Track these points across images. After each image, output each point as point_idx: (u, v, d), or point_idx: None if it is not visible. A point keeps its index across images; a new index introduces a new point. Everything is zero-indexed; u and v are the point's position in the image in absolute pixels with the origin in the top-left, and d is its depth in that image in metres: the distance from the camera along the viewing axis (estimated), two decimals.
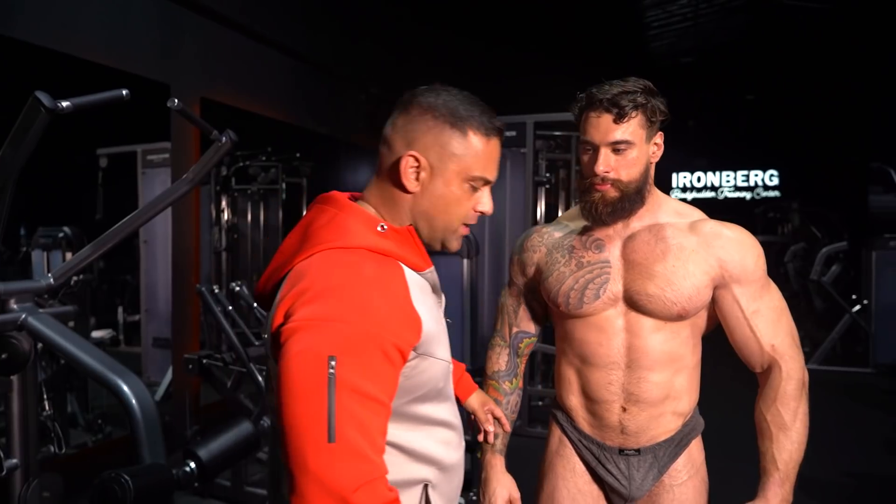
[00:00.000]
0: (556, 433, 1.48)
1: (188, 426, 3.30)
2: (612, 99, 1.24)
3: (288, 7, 5.16)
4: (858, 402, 5.10)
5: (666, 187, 11.11)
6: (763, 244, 1.37)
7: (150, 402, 1.44)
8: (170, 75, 3.69)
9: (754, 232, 1.36)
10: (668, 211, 1.36)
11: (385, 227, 0.98)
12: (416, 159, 0.97)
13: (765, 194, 11.12)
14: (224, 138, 1.60)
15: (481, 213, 1.03)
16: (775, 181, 11.07)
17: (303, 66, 5.37)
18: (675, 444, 1.38)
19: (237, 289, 3.25)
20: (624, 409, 1.36)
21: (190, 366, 3.09)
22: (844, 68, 9.17)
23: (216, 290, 3.13)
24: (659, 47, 10.20)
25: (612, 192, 1.29)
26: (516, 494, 1.41)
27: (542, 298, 1.45)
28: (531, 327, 1.50)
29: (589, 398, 1.39)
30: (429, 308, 0.97)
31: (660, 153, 1.33)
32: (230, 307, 3.12)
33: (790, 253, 8.06)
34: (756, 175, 11.10)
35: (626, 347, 1.34)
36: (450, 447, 1.04)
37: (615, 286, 1.34)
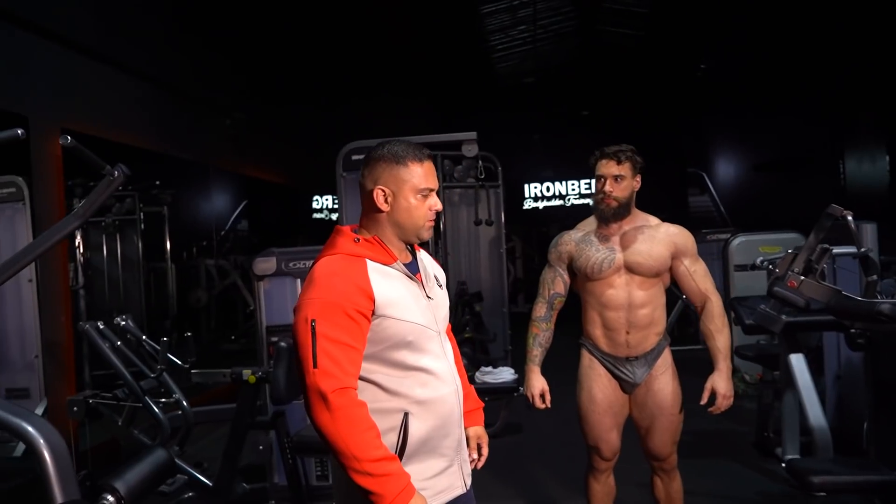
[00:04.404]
0: (587, 354, 2.37)
1: (75, 472, 3.15)
2: (614, 152, 2.22)
3: (146, 33, 5.03)
4: (688, 373, 5.94)
5: (519, 196, 11.92)
6: None
7: (60, 440, 1.44)
8: (27, 107, 3.51)
9: None
10: (642, 219, 2.30)
11: (359, 238, 1.47)
12: (383, 190, 1.46)
13: None
14: (116, 172, 1.59)
15: (435, 211, 1.51)
16: None
17: (162, 91, 5.25)
18: (656, 352, 2.29)
19: (122, 323, 3.15)
20: (628, 333, 2.25)
21: (75, 408, 2.94)
22: (661, 86, 10.46)
23: (101, 327, 3.04)
24: (504, 69, 10.99)
25: (613, 203, 2.22)
26: (546, 387, 2.31)
27: (567, 274, 2.34)
28: (561, 290, 2.36)
29: (607, 328, 2.28)
30: (390, 286, 1.43)
31: (638, 185, 2.25)
32: (119, 343, 3.04)
33: None
34: None
35: (628, 295, 2.24)
36: (427, 387, 1.46)
37: (619, 261, 2.24)
